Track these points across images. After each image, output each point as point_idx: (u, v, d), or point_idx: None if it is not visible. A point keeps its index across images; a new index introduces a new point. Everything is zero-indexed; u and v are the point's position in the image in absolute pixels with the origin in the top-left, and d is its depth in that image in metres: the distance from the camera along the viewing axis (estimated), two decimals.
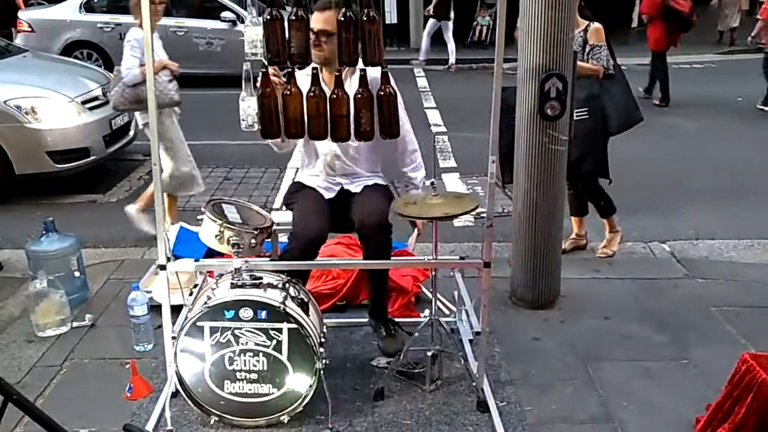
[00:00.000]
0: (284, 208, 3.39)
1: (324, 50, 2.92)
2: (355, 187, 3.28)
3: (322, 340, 2.83)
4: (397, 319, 3.47)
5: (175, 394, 2.94)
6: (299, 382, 2.76)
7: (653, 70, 9.61)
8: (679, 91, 10.35)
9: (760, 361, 2.46)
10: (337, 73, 2.70)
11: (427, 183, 3.07)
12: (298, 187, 3.32)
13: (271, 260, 3.27)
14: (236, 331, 2.72)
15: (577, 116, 3.99)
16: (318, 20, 2.92)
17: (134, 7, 4.43)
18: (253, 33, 2.58)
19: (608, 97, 4.29)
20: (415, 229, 3.40)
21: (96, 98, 6.14)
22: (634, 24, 17.21)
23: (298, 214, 3.15)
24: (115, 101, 4.59)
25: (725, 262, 4.61)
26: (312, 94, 2.68)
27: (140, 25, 4.41)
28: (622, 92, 4.36)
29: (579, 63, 4.08)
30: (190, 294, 3.09)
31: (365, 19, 2.56)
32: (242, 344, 2.72)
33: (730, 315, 3.75)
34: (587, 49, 4.23)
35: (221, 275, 2.94)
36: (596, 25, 4.28)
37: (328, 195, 3.27)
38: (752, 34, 9.39)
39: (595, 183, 4.49)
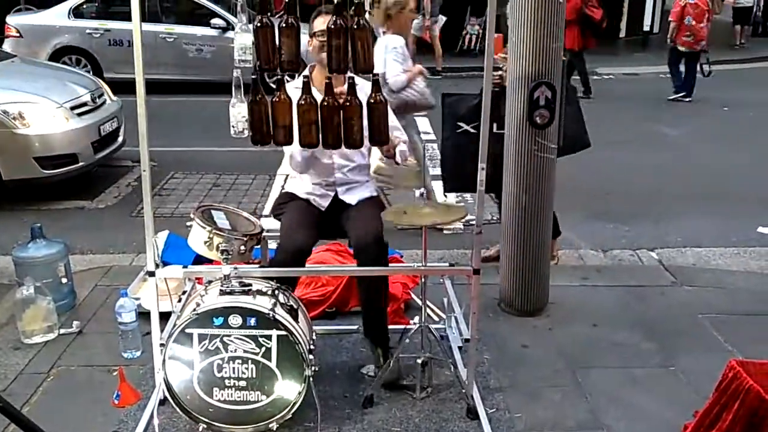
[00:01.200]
0: (273, 217, 3.37)
1: None
2: (350, 197, 3.26)
3: (312, 347, 2.82)
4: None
5: (163, 402, 2.92)
6: (288, 390, 2.75)
7: (577, 71, 10.27)
8: (666, 99, 10.45)
9: (747, 368, 2.47)
10: (327, 81, 2.70)
11: (417, 193, 3.07)
12: (287, 198, 3.31)
13: (260, 267, 3.26)
14: (225, 338, 2.70)
15: None
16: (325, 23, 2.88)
17: (385, 18, 4.58)
18: (243, 40, 2.58)
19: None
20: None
21: (85, 104, 6.11)
22: (622, 34, 17.39)
23: (285, 226, 3.14)
24: None
25: (712, 270, 4.64)
26: (303, 102, 2.68)
27: (396, 33, 4.59)
28: (572, 115, 4.27)
29: None
30: (179, 301, 3.07)
31: (356, 27, 2.57)
32: (231, 351, 2.71)
33: (717, 322, 3.77)
34: None
35: (210, 282, 2.92)
36: None
37: (323, 203, 3.26)
38: (669, 36, 10.32)
39: None
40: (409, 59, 4.68)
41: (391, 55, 4.55)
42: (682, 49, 10.08)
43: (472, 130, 3.94)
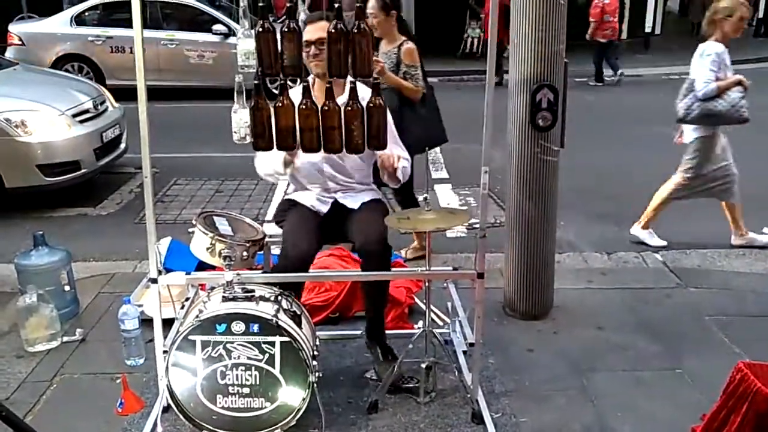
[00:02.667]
0: (275, 225, 3.36)
1: (324, 60, 2.87)
2: (351, 202, 3.25)
3: (315, 352, 2.81)
4: (390, 331, 3.44)
5: (166, 409, 2.91)
6: (292, 396, 2.74)
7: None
8: (670, 101, 10.43)
9: (754, 370, 2.45)
10: (327, 85, 2.69)
11: (420, 198, 3.06)
12: (289, 205, 3.30)
13: (263, 273, 3.25)
14: (228, 345, 2.69)
15: None
16: (316, 30, 2.91)
17: (710, 23, 4.57)
18: (246, 45, 2.58)
19: (415, 118, 4.17)
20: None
21: (87, 111, 6.12)
22: (624, 36, 17.40)
23: (288, 232, 3.12)
24: (683, 113, 4.72)
25: (718, 271, 4.62)
26: (303, 106, 2.68)
27: (717, 40, 4.56)
28: (428, 114, 4.28)
29: (402, 81, 4.11)
30: (182, 307, 3.06)
31: (356, 31, 2.56)
32: (234, 358, 2.70)
33: (723, 324, 3.75)
34: (402, 69, 4.15)
35: (213, 288, 2.91)
36: (410, 45, 4.17)
37: (323, 209, 3.24)
38: (589, 32, 11.91)
39: (411, 192, 4.39)
40: (728, 69, 4.61)
41: (705, 61, 4.52)
42: (603, 41, 11.83)
43: None
